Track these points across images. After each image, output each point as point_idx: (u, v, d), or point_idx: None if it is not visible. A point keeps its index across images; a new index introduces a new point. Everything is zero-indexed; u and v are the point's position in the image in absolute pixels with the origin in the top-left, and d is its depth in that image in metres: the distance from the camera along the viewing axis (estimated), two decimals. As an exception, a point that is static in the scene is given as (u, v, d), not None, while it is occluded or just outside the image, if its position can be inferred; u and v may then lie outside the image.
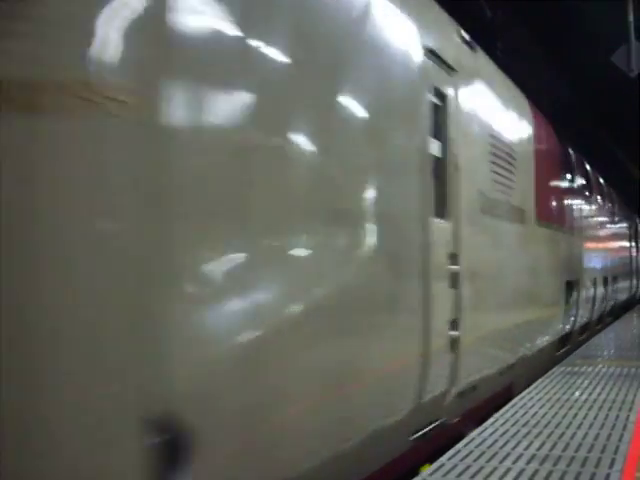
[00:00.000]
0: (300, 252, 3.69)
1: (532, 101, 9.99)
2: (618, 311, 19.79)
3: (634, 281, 24.84)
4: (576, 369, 9.21)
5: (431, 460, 5.15)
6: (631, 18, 10.05)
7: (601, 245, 16.58)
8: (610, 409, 6.58)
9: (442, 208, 5.67)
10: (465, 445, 5.34)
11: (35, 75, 2.42)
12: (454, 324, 5.83)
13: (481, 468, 4.75)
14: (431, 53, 5.49)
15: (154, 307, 2.71)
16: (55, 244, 2.48)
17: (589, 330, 14.41)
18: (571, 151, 13.00)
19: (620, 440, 5.42)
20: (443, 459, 4.95)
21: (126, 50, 2.58)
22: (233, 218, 3.14)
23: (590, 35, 12.82)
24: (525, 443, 5.38)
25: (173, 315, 2.76)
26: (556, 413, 6.45)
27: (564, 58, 14.31)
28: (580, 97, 17.09)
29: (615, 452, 5.08)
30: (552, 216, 10.63)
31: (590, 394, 7.38)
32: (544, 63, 14.58)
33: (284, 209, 3.51)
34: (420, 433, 5.36)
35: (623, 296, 21.13)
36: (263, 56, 3.36)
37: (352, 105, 4.30)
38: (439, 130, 5.74)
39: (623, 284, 20.78)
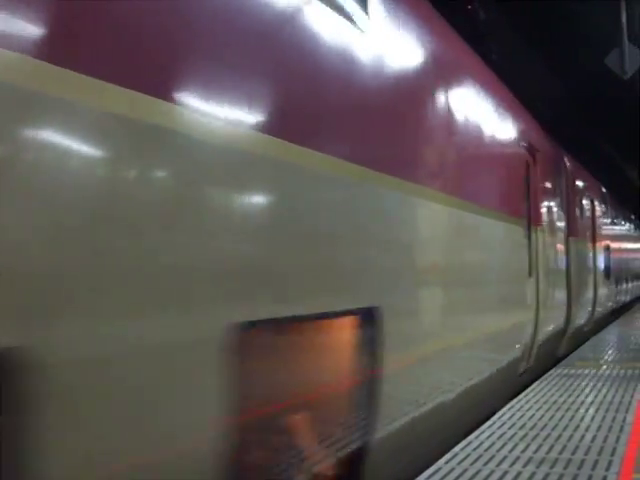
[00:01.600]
0: None
1: (527, 102, 9.98)
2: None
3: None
4: (573, 371, 9.20)
5: None
6: (624, 19, 10.06)
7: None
8: (607, 411, 6.58)
9: None
10: (462, 448, 5.33)
11: None
12: None
13: (478, 471, 4.74)
14: None
15: None
16: None
17: None
18: None
19: (617, 442, 5.41)
20: (440, 462, 4.94)
21: None
22: None
23: (584, 37, 12.84)
24: (522, 446, 5.37)
25: None
26: (553, 415, 6.44)
27: (558, 60, 14.33)
28: (574, 99, 17.12)
29: (612, 454, 5.08)
30: None
31: (587, 396, 7.38)
32: (538, 64, 14.60)
33: None
34: None
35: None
36: None
37: None
38: None
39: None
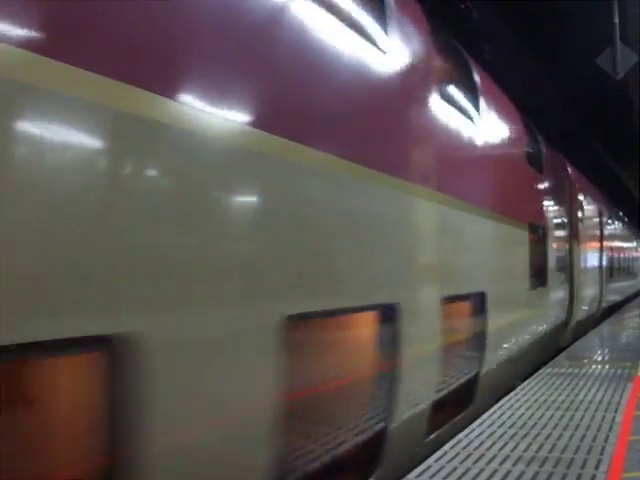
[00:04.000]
0: None
1: (520, 103, 9.98)
2: None
3: None
4: (562, 370, 9.22)
5: None
6: (616, 20, 10.06)
7: None
8: (596, 410, 6.59)
9: None
10: (452, 447, 5.33)
11: None
12: None
13: (468, 470, 4.75)
14: None
15: None
16: None
17: None
18: None
19: (606, 441, 5.42)
20: (430, 461, 4.95)
21: None
22: None
23: (577, 37, 12.87)
24: (512, 445, 5.37)
25: None
26: (542, 414, 6.45)
27: (551, 60, 14.35)
28: (569, 100, 17.14)
29: (601, 453, 5.09)
30: None
31: (576, 395, 7.39)
32: (531, 64, 14.62)
33: None
34: None
35: None
36: None
37: None
38: None
39: None
